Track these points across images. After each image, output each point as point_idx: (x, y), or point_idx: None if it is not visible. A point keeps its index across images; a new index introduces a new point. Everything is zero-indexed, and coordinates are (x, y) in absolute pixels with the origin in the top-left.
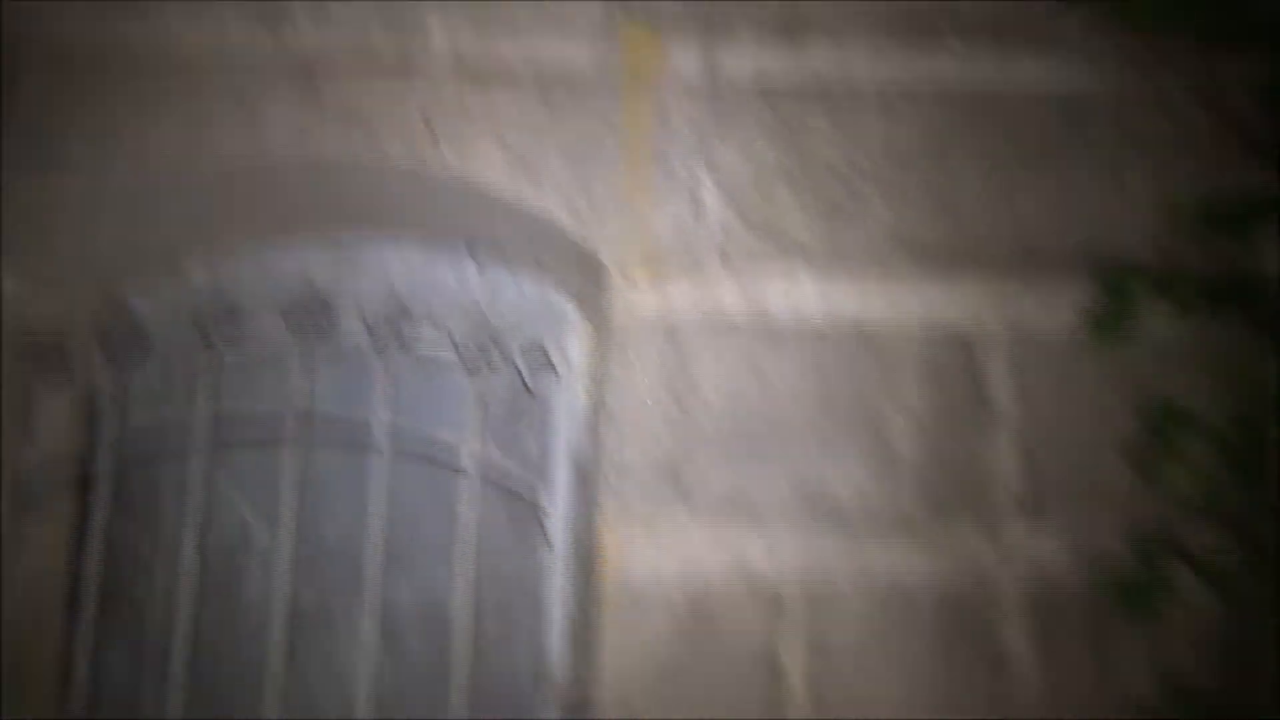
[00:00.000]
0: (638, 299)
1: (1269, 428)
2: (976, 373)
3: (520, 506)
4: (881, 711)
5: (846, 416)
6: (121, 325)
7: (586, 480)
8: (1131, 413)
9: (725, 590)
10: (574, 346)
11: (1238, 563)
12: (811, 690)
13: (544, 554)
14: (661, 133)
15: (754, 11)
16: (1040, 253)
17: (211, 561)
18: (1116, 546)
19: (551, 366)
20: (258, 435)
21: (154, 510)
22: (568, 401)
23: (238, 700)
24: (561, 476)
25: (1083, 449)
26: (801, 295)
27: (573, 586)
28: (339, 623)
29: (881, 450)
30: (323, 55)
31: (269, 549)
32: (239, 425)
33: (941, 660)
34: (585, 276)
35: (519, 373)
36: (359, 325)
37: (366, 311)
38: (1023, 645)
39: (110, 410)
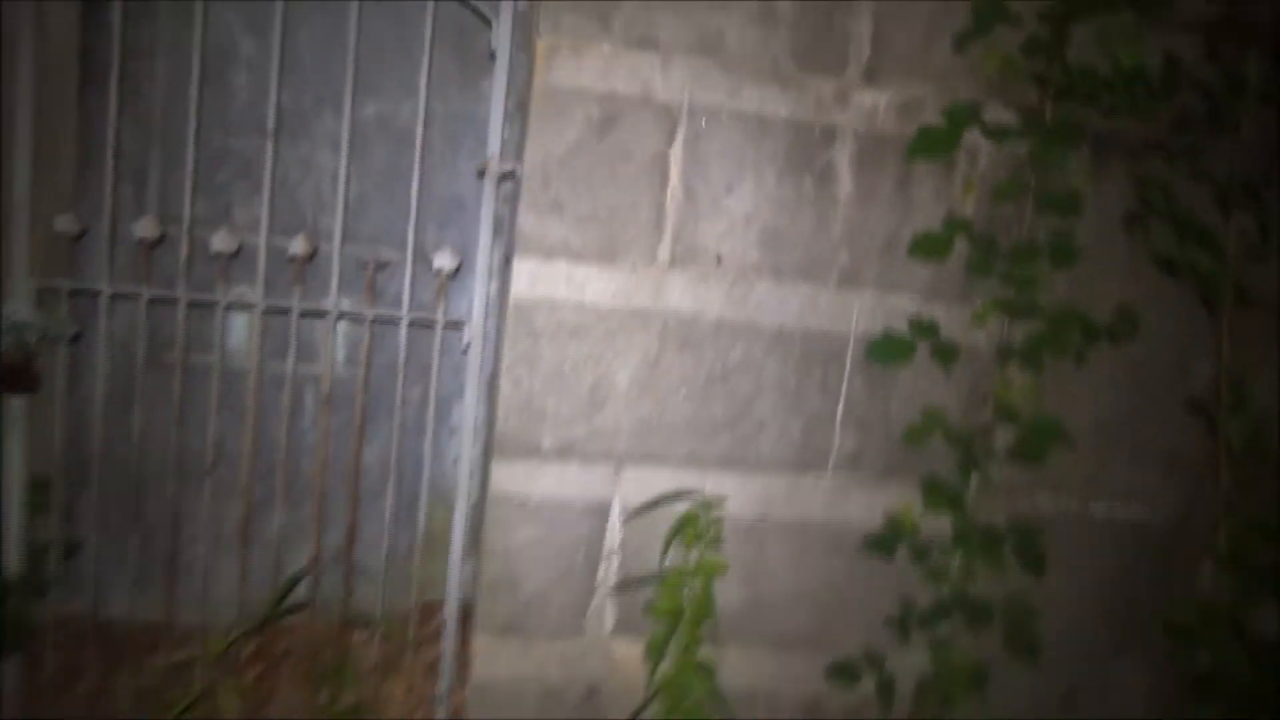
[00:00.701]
0: None
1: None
2: None
3: (470, 39)
4: (736, 206)
5: None
6: None
7: (526, 17)
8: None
9: (632, 107)
10: None
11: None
12: (686, 190)
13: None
14: None
15: None
16: None
17: (207, 69)
18: (935, 117)
19: None
20: None
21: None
22: None
23: (235, 195)
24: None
25: (924, 31)
26: None
27: (512, 89)
28: (316, 131)
29: (766, 11)
30: None
31: (255, 58)
32: None
33: (789, 180)
34: None
35: None
36: None
37: None
38: (849, 178)
39: None
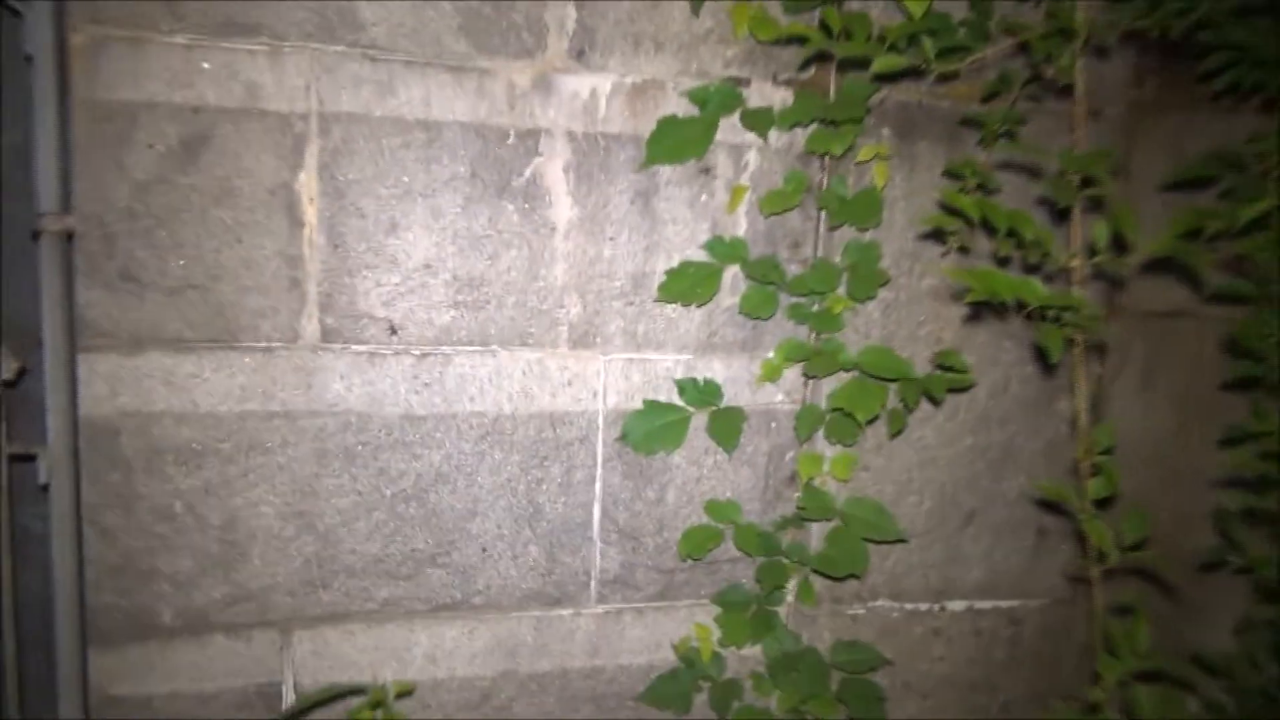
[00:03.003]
0: None
1: None
2: None
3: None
4: (409, 250)
5: None
6: None
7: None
8: None
9: (232, 121)
10: None
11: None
12: (331, 234)
13: None
14: None
15: None
16: None
17: None
18: (680, 105)
19: None
20: None
21: None
22: None
23: None
24: None
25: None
26: None
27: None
28: None
29: None
30: None
31: None
32: None
33: (481, 207)
34: None
35: None
36: None
37: None
38: (566, 198)
39: None
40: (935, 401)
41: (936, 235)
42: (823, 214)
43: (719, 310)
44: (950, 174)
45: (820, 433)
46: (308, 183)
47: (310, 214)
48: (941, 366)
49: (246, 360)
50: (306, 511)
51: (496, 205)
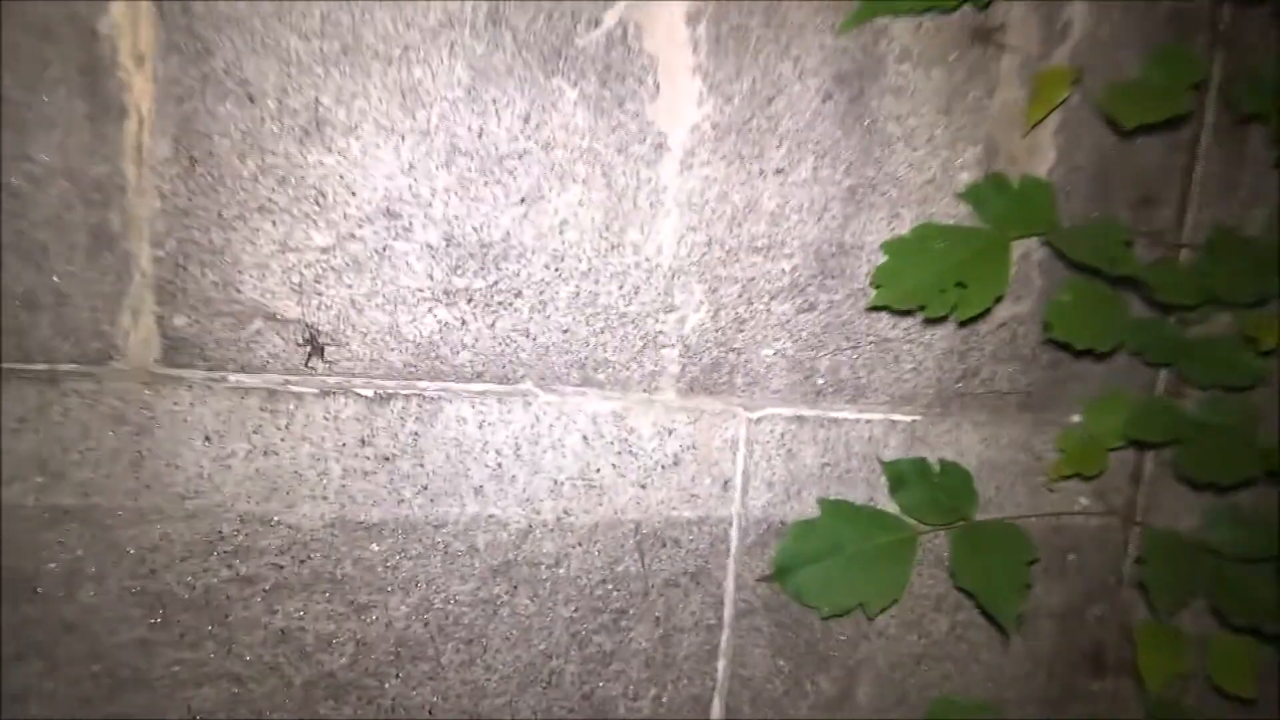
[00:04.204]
0: None
1: None
2: None
3: None
4: None
5: None
6: None
7: None
8: None
9: None
10: None
11: None
12: None
13: None
14: None
15: None
16: None
17: None
18: None
19: None
20: None
21: None
22: None
23: None
24: None
25: None
26: None
27: None
28: None
29: None
30: None
31: None
32: None
33: (500, 71)
34: None
35: None
36: None
37: None
38: (678, 58)
39: None
40: None
41: None
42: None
43: (988, 330)
44: None
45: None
46: (127, 17)
47: (138, 87)
48: None
49: None
50: None
51: (540, 88)
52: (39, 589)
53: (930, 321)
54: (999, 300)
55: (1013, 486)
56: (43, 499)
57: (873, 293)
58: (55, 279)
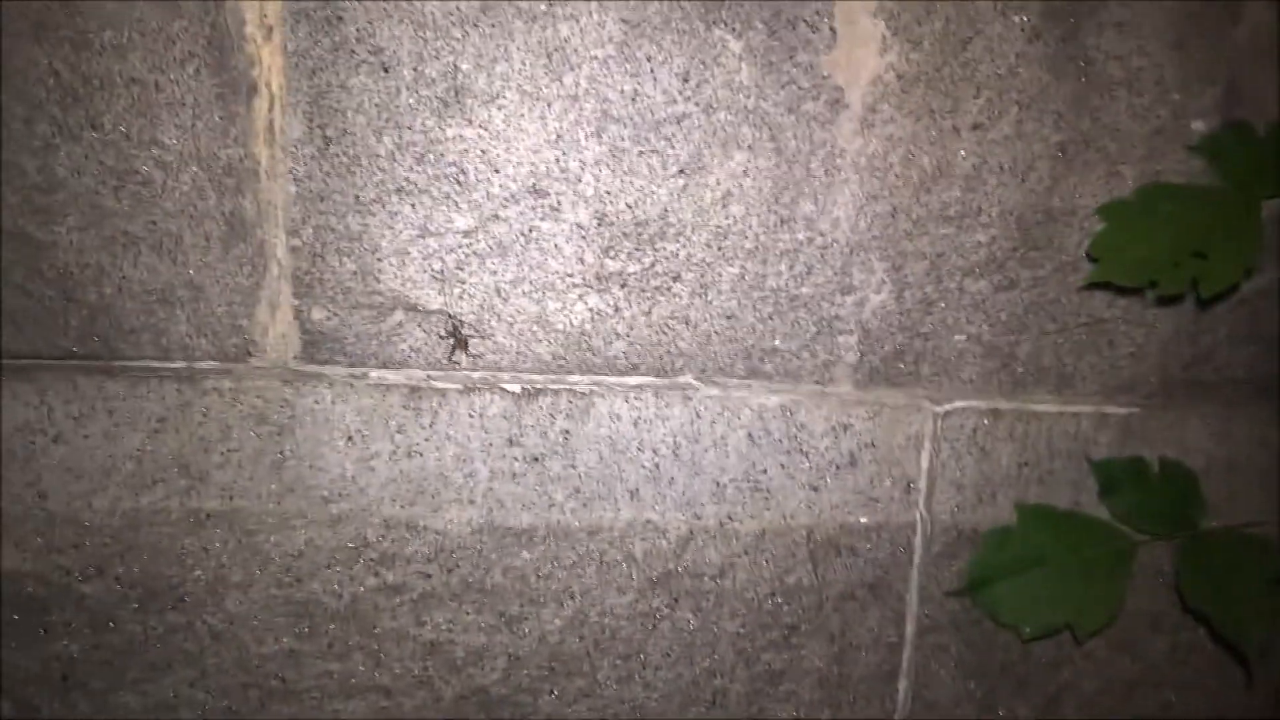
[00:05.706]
0: None
1: None
2: None
3: None
4: None
5: None
6: None
7: None
8: None
9: None
10: None
11: None
12: None
13: None
14: None
15: None
16: None
17: None
18: None
19: None
20: None
21: None
22: None
23: None
24: None
25: None
26: None
27: None
28: None
29: None
30: None
31: None
32: None
33: (656, 26)
34: None
35: None
36: None
37: None
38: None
39: None
40: None
41: None
42: None
43: (1224, 308)
44: None
45: None
46: None
47: (267, 60)
48: None
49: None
50: None
51: (701, 41)
52: (185, 597)
53: (1164, 301)
54: (1249, 274)
55: (1250, 489)
56: (186, 503)
57: (1087, 267)
58: (190, 272)
